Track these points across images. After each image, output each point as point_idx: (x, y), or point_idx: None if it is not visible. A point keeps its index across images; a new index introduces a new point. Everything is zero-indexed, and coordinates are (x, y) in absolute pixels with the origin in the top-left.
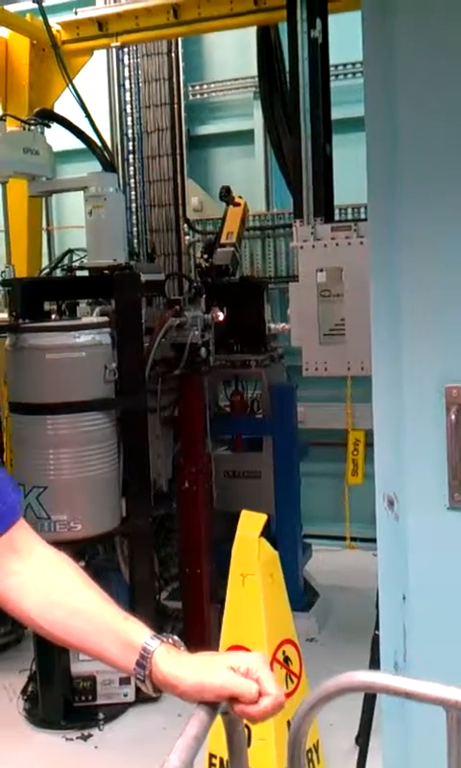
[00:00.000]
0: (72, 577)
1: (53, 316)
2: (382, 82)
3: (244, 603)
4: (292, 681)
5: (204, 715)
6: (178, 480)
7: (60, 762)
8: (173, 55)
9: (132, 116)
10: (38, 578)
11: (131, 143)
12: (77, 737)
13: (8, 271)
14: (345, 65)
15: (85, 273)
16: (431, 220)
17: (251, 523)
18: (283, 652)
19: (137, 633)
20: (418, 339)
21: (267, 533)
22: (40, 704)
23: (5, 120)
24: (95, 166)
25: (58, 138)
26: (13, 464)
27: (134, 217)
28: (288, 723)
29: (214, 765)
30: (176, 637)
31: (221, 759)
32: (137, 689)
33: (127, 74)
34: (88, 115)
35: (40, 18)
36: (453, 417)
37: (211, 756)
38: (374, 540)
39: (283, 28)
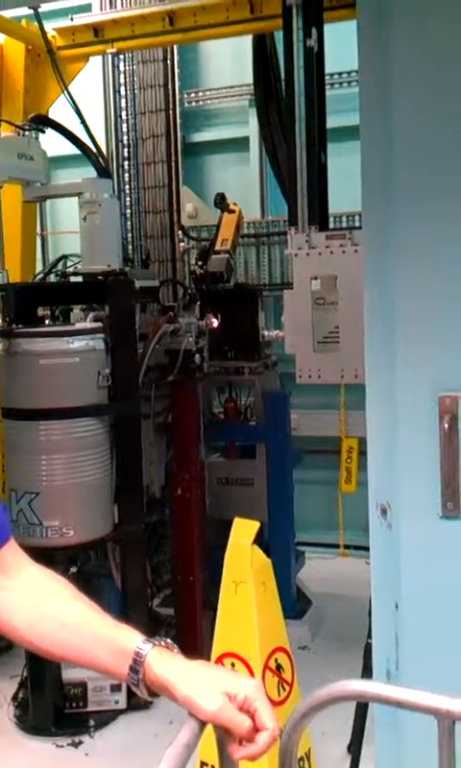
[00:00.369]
0: (60, 591)
1: (46, 321)
2: (377, 91)
3: (236, 610)
4: (284, 689)
5: (195, 723)
6: (171, 487)
7: None
8: (168, 62)
9: (127, 122)
10: (27, 595)
11: (126, 149)
12: (67, 744)
13: (1, 276)
14: (340, 74)
15: (80, 278)
16: (425, 229)
17: (243, 531)
18: (275, 660)
19: (129, 638)
20: (412, 347)
21: (260, 540)
22: (31, 710)
23: None
24: (90, 172)
25: (52, 144)
26: (6, 469)
27: (129, 223)
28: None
29: None
30: (169, 640)
31: (212, 767)
32: (128, 697)
33: (122, 80)
34: (84, 121)
35: (36, 24)
36: (446, 426)
37: (203, 764)
38: (367, 548)
39: (279, 36)
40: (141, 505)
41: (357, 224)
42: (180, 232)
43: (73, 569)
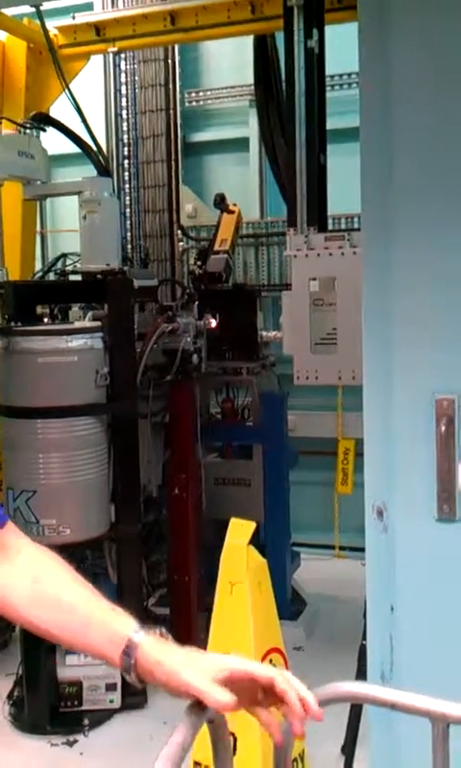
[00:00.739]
0: (59, 573)
1: (45, 320)
2: (378, 92)
3: (232, 611)
4: None
5: (190, 723)
6: (167, 486)
7: None
8: (169, 61)
9: (127, 122)
10: (26, 574)
11: (126, 148)
12: (62, 743)
13: (1, 273)
14: (341, 76)
15: (79, 277)
16: (424, 231)
17: (239, 531)
18: (270, 660)
19: (124, 624)
20: (409, 349)
21: (256, 541)
22: (26, 708)
23: (0, 123)
24: (90, 171)
25: (53, 142)
26: (3, 467)
27: (129, 222)
28: None
29: None
30: (163, 629)
31: (206, 767)
32: (123, 696)
33: (123, 79)
34: (84, 120)
35: (38, 22)
36: (443, 428)
37: (196, 764)
38: (363, 550)
39: (280, 37)
40: (138, 504)
41: (356, 226)
42: (179, 232)
43: None
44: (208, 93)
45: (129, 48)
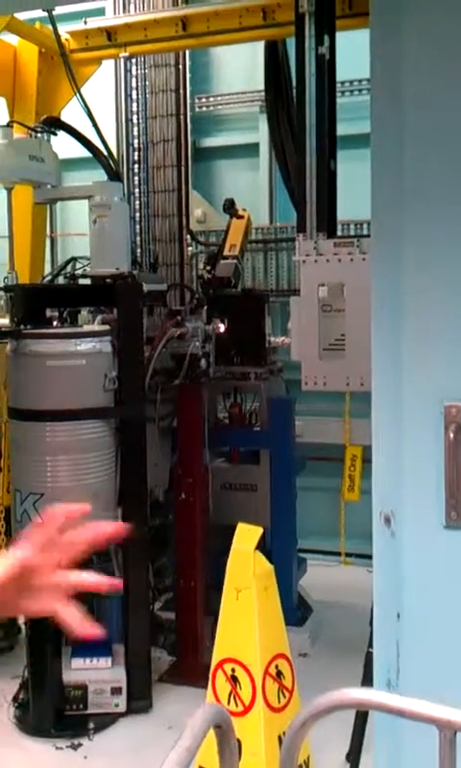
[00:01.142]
0: None
1: (54, 323)
2: (389, 99)
3: (238, 616)
4: (284, 695)
5: (196, 728)
6: (174, 491)
7: None
8: (180, 66)
9: (138, 126)
10: None
11: (136, 153)
12: (67, 746)
13: (10, 277)
14: (352, 82)
15: (88, 281)
16: (434, 238)
17: (246, 536)
18: (276, 666)
19: None
20: (418, 356)
21: (262, 546)
22: (31, 711)
23: (12, 127)
24: (100, 175)
25: (64, 146)
26: (11, 469)
27: (138, 227)
28: (280, 738)
29: None
30: None
31: None
32: (129, 700)
33: (134, 84)
34: (95, 124)
35: (50, 27)
36: (452, 435)
37: None
38: (369, 557)
39: (291, 43)
40: (145, 508)
41: (365, 232)
42: (188, 237)
43: None
44: (219, 98)
45: (140, 53)
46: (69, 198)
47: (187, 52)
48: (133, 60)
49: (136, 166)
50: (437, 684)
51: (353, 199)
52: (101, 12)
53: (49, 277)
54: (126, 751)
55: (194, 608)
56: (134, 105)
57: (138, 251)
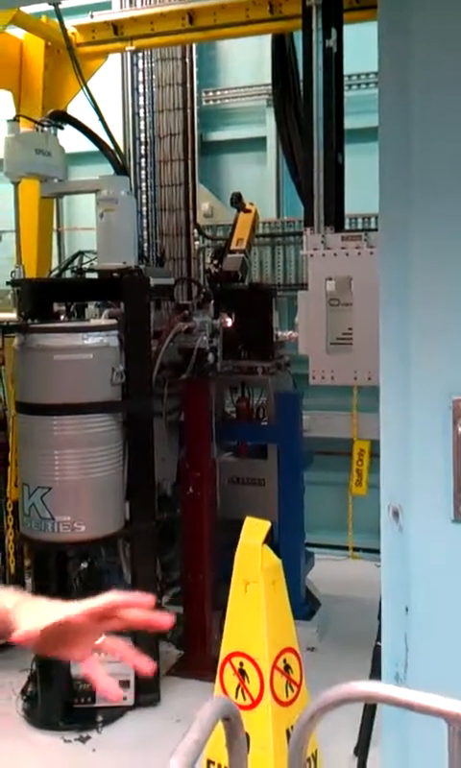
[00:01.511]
0: None
1: (61, 317)
2: (397, 92)
3: (246, 610)
4: (292, 689)
5: (205, 720)
6: (182, 485)
7: (57, 764)
8: (187, 60)
9: (144, 120)
10: None
11: (143, 147)
12: (75, 739)
13: (17, 271)
14: (359, 75)
15: (95, 275)
16: (443, 232)
17: (254, 530)
18: (284, 660)
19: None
20: (426, 350)
21: (270, 540)
22: (39, 704)
23: (18, 121)
24: (107, 169)
25: (70, 140)
26: (19, 463)
27: (145, 221)
28: (288, 732)
29: None
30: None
31: (219, 766)
32: (137, 693)
33: (141, 78)
34: (102, 118)
35: (56, 20)
36: (460, 429)
37: (210, 762)
38: (377, 551)
39: (298, 37)
40: (152, 502)
41: (373, 225)
42: (195, 231)
43: (83, 565)
44: (226, 92)
45: (147, 47)
46: (76, 192)
47: (194, 45)
48: (140, 54)
49: (143, 160)
50: (445, 677)
51: (361, 192)
52: (107, 5)
53: (56, 272)
54: (134, 744)
55: (202, 602)
56: (141, 98)
57: (145, 245)
